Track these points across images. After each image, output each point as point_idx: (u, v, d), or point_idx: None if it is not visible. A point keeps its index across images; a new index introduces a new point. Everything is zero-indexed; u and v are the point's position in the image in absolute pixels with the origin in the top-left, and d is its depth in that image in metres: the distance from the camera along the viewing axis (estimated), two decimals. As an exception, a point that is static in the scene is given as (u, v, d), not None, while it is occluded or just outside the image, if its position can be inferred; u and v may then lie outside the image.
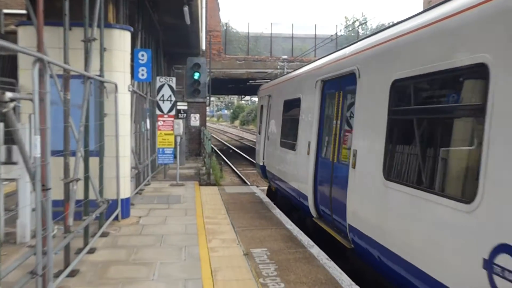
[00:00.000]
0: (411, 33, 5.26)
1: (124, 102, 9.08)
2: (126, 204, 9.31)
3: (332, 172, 7.63)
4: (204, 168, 17.33)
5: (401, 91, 5.41)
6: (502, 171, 3.58)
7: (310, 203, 8.55)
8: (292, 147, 10.14)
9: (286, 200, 11.16)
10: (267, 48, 32.90)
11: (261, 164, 13.91)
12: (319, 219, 8.41)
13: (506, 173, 3.52)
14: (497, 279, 3.48)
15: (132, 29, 9.40)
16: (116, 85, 8.66)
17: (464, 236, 3.94)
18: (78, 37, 7.53)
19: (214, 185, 14.23)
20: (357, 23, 41.96)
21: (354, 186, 6.43)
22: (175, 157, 14.61)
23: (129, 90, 9.29)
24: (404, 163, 5.23)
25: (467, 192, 4.06)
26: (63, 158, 6.10)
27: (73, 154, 6.55)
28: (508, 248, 3.39)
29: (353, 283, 5.88)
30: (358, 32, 39.66)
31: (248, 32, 33.33)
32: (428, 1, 28.37)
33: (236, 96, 76.82)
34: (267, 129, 13.58)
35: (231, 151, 34.33)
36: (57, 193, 5.81)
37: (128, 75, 9.25)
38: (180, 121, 14.82)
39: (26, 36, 8.17)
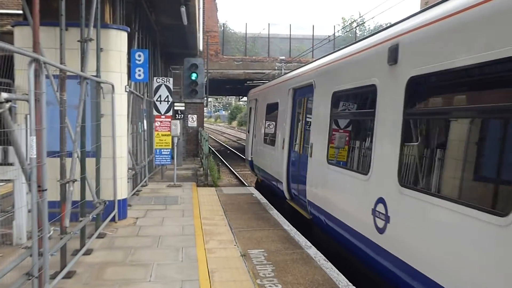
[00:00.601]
0: (338, 61, 7.78)
1: (121, 103, 9.05)
2: (123, 205, 9.28)
3: (299, 161, 9.71)
4: (201, 169, 17.31)
5: (339, 99, 7.59)
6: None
7: (284, 188, 10.68)
8: (272, 143, 12.32)
9: (269, 189, 13.15)
10: (265, 48, 32.90)
11: (249, 159, 16.13)
12: (291, 200, 10.42)
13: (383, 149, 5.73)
14: (376, 219, 5.62)
15: (128, 29, 9.38)
16: (112, 86, 8.64)
17: (363, 195, 6.10)
18: (75, 37, 7.51)
19: (212, 186, 14.22)
20: (354, 24, 41.98)
21: (311, 170, 8.61)
22: (172, 158, 14.58)
23: (126, 91, 9.26)
24: (336, 151, 7.64)
25: (365, 168, 6.30)
26: (59, 159, 6.07)
27: (70, 155, 6.52)
28: (382, 199, 5.50)
29: (350, 283, 5.87)
30: (356, 33, 39.69)
31: (246, 33, 33.35)
32: (425, 2, 28.41)
33: (234, 96, 76.77)
34: (254, 128, 15.76)
35: (228, 152, 34.33)
36: (53, 194, 5.79)
37: (125, 76, 9.23)
38: (178, 121, 14.79)
39: (22, 37, 8.13)
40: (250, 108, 17.26)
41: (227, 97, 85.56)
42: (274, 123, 12.31)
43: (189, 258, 6.86)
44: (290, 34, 33.16)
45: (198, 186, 14.11)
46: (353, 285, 5.86)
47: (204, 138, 16.92)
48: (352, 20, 45.42)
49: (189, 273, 6.21)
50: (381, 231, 5.48)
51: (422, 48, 5.00)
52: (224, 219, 9.51)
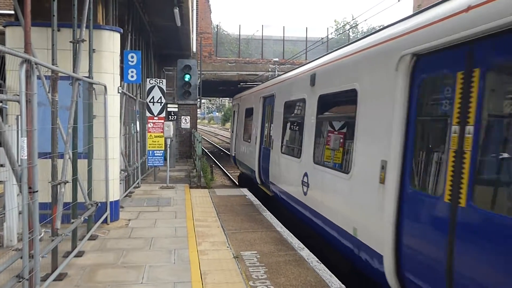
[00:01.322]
0: (288, 80, 10.87)
1: (113, 104, 9.01)
2: (115, 206, 9.23)
3: (265, 154, 12.52)
4: (194, 170, 17.27)
5: (288, 107, 10.48)
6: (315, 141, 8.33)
7: (257, 175, 13.51)
8: (248, 140, 15.30)
9: (248, 177, 15.85)
10: (258, 50, 32.89)
11: (233, 155, 19.21)
12: (261, 184, 13.26)
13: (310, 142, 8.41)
14: (303, 187, 8.46)
15: (121, 30, 9.34)
16: (105, 87, 8.60)
17: (298, 172, 8.88)
18: (67, 38, 7.48)
19: (205, 187, 14.18)
20: (347, 27, 42.14)
21: (272, 159, 11.62)
22: (165, 159, 14.54)
23: (118, 92, 9.22)
24: (286, 144, 10.56)
25: (299, 154, 9.04)
26: (50, 160, 6.03)
27: (61, 156, 6.48)
28: (306, 173, 8.31)
29: (342, 285, 5.87)
30: (349, 35, 39.83)
31: (240, 34, 33.31)
32: (418, 5, 28.57)
33: (228, 98, 76.77)
34: (236, 128, 18.80)
35: (222, 153, 34.29)
36: (44, 195, 5.75)
37: (118, 77, 9.19)
38: (171, 123, 14.74)
39: (13, 37, 8.09)
40: (234, 111, 20.51)
41: (221, 98, 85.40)
42: (250, 124, 15.35)
43: (181, 260, 6.83)
44: (283, 36, 33.17)
45: (191, 187, 14.07)
46: (346, 287, 5.87)
47: (197, 140, 16.88)
48: (345, 23, 45.59)
49: (181, 275, 6.18)
50: (305, 194, 8.46)
51: (323, 78, 8.08)
52: (217, 220, 9.49)
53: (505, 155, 3.75)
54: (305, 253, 7.28)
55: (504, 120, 3.85)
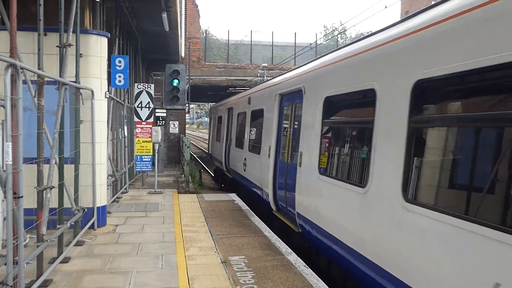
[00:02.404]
0: (245, 96, 15.17)
1: (100, 109, 8.97)
2: (102, 212, 9.17)
3: (231, 149, 16.36)
4: (183, 175, 17.21)
5: (238, 116, 15.32)
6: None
7: (224, 165, 17.63)
8: (219, 140, 19.55)
9: (219, 168, 20.45)
10: (247, 55, 33.01)
11: (209, 152, 24.06)
12: (227, 172, 17.17)
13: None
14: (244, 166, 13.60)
15: (109, 35, 9.31)
16: (92, 92, 8.56)
17: (239, 156, 14.41)
18: (54, 43, 7.43)
19: (193, 192, 14.14)
20: (336, 32, 42.41)
21: (231, 152, 16.01)
22: (153, 164, 14.48)
23: (106, 97, 9.18)
24: (236, 140, 15.53)
25: (257, 150, 12.09)
26: (36, 165, 5.98)
27: (47, 161, 6.43)
28: (245, 158, 13.43)
29: (330, 290, 5.89)
30: (337, 40, 40.09)
31: (228, 40, 33.38)
32: (405, 11, 28.86)
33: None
34: (211, 132, 24.30)
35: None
36: (30, 201, 5.70)
37: (105, 82, 9.15)
38: (159, 128, 14.70)
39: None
40: (210, 118, 26.93)
41: (210, 103, 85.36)
42: (220, 128, 19.82)
43: (169, 265, 6.80)
44: (272, 41, 33.35)
45: (179, 192, 14.02)
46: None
47: (185, 145, 16.84)
48: (334, 28, 45.90)
49: (169, 280, 6.16)
50: (244, 169, 13.43)
51: (254, 100, 13.15)
52: (205, 225, 9.47)
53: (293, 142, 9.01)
54: (293, 257, 7.29)
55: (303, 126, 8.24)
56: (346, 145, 6.64)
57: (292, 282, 6.14)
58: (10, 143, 4.43)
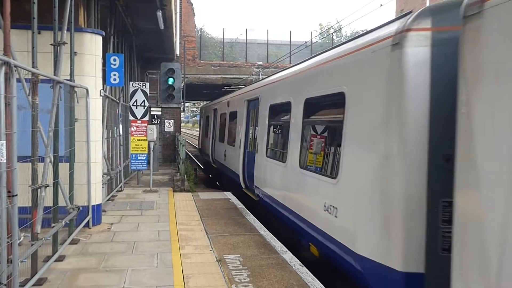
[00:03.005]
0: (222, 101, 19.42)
1: (95, 107, 8.95)
2: (97, 210, 9.15)
3: (216, 143, 19.03)
4: (178, 174, 17.20)
5: (220, 116, 18.87)
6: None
7: (210, 157, 20.26)
8: (207, 137, 22.40)
9: (206, 160, 23.05)
10: (242, 54, 32.94)
11: (199, 147, 27.94)
12: (213, 163, 19.87)
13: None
14: (224, 157, 16.50)
15: (103, 33, 9.28)
16: (87, 90, 8.54)
17: (220, 147, 17.56)
18: (48, 41, 7.40)
19: (188, 191, 14.13)
20: (331, 30, 42.44)
21: (215, 146, 19.20)
22: (148, 163, 14.46)
23: (100, 95, 9.16)
24: (220, 135, 18.06)
25: (221, 139, 17.67)
26: (31, 163, 5.96)
27: (42, 159, 6.41)
28: (225, 150, 16.46)
29: (324, 287, 5.91)
30: (332, 39, 40.13)
31: (224, 38, 33.28)
32: (400, 10, 28.91)
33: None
34: (201, 129, 28.13)
35: (206, 157, 34.17)
36: (24, 199, 5.69)
37: (100, 80, 9.13)
38: (154, 126, 14.69)
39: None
40: (200, 117, 31.84)
41: (205, 102, 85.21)
42: (207, 127, 22.85)
43: (164, 264, 6.80)
44: (267, 40, 33.28)
45: (174, 191, 14.02)
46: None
47: (181, 143, 16.83)
48: (329, 27, 45.92)
49: (164, 279, 6.16)
50: (224, 159, 16.38)
51: (231, 103, 16.22)
52: (200, 224, 9.47)
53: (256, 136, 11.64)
54: (288, 256, 7.30)
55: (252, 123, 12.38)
56: (278, 137, 9.98)
57: (287, 281, 6.15)
58: (4, 142, 4.41)
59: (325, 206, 6.25)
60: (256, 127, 11.86)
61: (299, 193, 7.75)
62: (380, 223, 4.84)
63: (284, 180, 8.71)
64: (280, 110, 9.83)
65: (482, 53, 3.32)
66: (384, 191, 4.82)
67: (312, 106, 7.65)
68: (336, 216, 5.88)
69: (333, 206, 5.98)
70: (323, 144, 7.14)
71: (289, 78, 9.16)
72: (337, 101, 6.21)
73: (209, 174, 23.53)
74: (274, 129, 10.37)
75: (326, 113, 7.53)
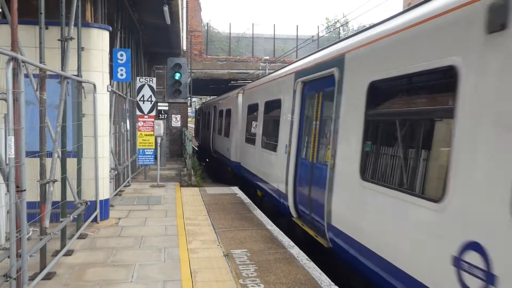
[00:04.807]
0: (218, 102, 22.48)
1: (103, 102, 8.96)
2: (105, 205, 9.19)
3: (216, 135, 20.76)
4: (185, 169, 17.24)
5: (219, 112, 20.70)
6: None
7: (211, 147, 21.87)
8: (205, 129, 25.83)
9: (204, 148, 26.66)
10: (249, 48, 32.87)
11: (199, 141, 32.12)
12: (214, 153, 21.24)
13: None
14: (211, 143, 22.45)
15: (110, 28, 9.28)
16: (94, 85, 8.55)
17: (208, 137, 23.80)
18: (55, 36, 7.42)
19: (195, 186, 14.16)
20: (338, 24, 42.19)
21: (213, 137, 21.98)
22: (155, 158, 14.49)
23: (108, 90, 9.17)
24: (219, 129, 20.11)
25: (224, 133, 18.79)
26: (39, 159, 5.99)
27: (50, 155, 6.44)
28: (213, 137, 21.49)
29: (332, 283, 5.90)
30: (339, 33, 39.91)
31: (230, 33, 33.22)
32: (408, 3, 28.65)
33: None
34: (200, 124, 31.97)
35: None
36: (33, 194, 5.72)
37: (107, 75, 9.14)
38: (161, 121, 14.70)
39: (0, 35, 8.00)
40: (199, 114, 35.74)
41: (211, 97, 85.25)
42: (205, 122, 26.73)
43: (171, 259, 6.83)
44: (274, 34, 33.18)
45: (181, 186, 14.05)
46: (336, 284, 5.90)
47: (187, 138, 16.86)
48: (336, 20, 45.66)
49: (171, 274, 6.18)
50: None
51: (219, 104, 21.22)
52: (207, 219, 9.49)
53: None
54: (295, 251, 7.30)
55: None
56: (260, 129, 12.12)
57: (294, 276, 6.15)
58: (13, 137, 4.43)
59: None
60: (247, 122, 13.21)
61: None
62: None
63: (274, 166, 10.38)
64: (254, 109, 13.03)
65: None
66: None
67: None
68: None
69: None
70: None
71: (260, 86, 12.83)
72: None
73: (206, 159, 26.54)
74: (253, 124, 12.36)
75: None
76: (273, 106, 10.74)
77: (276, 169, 9.83)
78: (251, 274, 6.19)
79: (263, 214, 10.07)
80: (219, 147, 19.66)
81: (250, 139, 13.27)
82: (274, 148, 10.18)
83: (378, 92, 5.48)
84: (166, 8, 12.94)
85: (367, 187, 5.44)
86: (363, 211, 5.52)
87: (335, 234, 6.32)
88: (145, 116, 13.83)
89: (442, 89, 4.39)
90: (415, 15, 4.84)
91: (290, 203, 8.68)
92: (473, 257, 3.56)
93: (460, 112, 3.89)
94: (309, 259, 6.87)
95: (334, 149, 6.49)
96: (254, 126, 12.99)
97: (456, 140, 3.90)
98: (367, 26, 6.73)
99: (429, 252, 4.16)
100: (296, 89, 8.71)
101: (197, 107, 38.78)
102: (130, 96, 14.48)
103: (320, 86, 7.71)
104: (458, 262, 3.73)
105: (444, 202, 3.97)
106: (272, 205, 10.56)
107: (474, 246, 3.57)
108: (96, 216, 8.77)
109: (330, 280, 6.00)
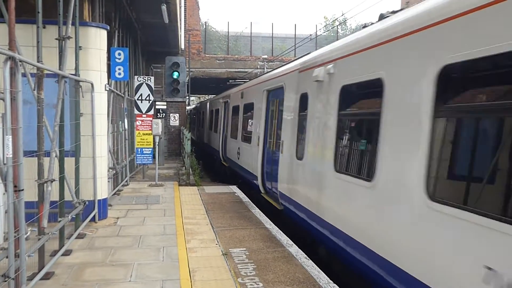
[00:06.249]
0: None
1: (100, 102, 8.94)
2: (103, 205, 9.18)
3: (209, 132, 23.65)
4: (183, 168, 17.23)
5: (212, 112, 23.37)
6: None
7: (204, 140, 25.92)
8: (200, 126, 29.94)
9: (197, 142, 29.54)
10: (247, 47, 32.88)
11: (195, 137, 32.69)
12: (204, 145, 25.95)
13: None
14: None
15: (108, 27, 9.26)
16: (92, 84, 8.53)
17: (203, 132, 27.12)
18: (53, 35, 7.39)
19: (194, 185, 14.15)
20: (336, 23, 42.18)
21: (205, 133, 26.02)
22: (154, 157, 14.48)
23: (105, 89, 9.15)
24: (214, 127, 22.42)
25: (215, 129, 21.59)
26: (37, 158, 5.97)
27: (48, 154, 6.42)
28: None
29: (330, 281, 5.91)
30: (337, 31, 39.91)
31: (228, 31, 33.21)
32: (406, 1, 28.66)
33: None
34: (196, 123, 34.20)
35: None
36: (31, 194, 5.70)
37: (105, 74, 9.12)
38: (159, 120, 14.69)
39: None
40: (192, 114, 38.97)
41: (210, 96, 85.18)
42: (198, 120, 31.61)
43: (170, 258, 6.82)
44: (272, 33, 33.17)
45: (180, 185, 14.04)
46: (334, 282, 5.91)
47: (186, 137, 16.84)
48: (334, 19, 45.64)
49: (170, 273, 6.17)
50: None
51: (210, 104, 24.92)
52: (206, 218, 9.48)
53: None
54: (294, 249, 7.30)
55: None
56: (241, 124, 14.58)
57: (293, 274, 6.15)
58: (10, 136, 4.42)
59: None
60: (229, 120, 17.79)
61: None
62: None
63: (242, 153, 14.32)
64: (236, 110, 16.39)
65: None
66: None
67: None
68: None
69: None
70: None
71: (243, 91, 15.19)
72: None
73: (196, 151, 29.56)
74: (236, 121, 15.79)
75: None
76: (250, 108, 13.60)
77: (251, 157, 12.73)
78: (250, 272, 6.18)
79: (262, 213, 10.07)
80: (209, 140, 23.97)
81: (233, 134, 16.24)
82: (249, 140, 13.15)
83: (305, 100, 8.02)
84: (164, 7, 12.91)
85: (299, 164, 8.16)
86: (297, 181, 8.34)
87: (283, 199, 9.16)
88: (143, 115, 13.81)
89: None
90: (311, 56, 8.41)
91: (259, 182, 11.42)
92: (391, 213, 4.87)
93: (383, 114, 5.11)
94: (307, 258, 6.87)
95: (282, 139, 9.42)
96: (236, 123, 15.79)
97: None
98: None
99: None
100: (263, 96, 11.61)
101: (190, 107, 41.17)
102: (128, 95, 14.46)
103: (277, 94, 10.42)
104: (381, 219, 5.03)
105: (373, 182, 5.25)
106: (247, 184, 13.66)
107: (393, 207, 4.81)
108: (94, 215, 8.76)
109: (328, 278, 6.00)
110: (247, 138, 13.55)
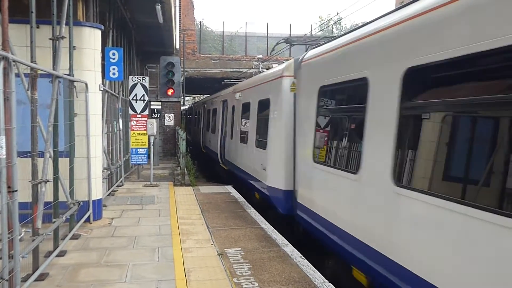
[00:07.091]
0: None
1: (95, 102, 8.92)
2: (98, 205, 9.15)
3: (204, 131, 23.98)
4: (178, 168, 17.20)
5: (206, 112, 24.18)
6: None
7: (201, 143, 24.42)
8: (195, 126, 30.27)
9: (194, 140, 29.62)
10: (242, 47, 32.86)
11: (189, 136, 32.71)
12: (191, 139, 30.12)
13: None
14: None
15: (102, 27, 9.24)
16: (86, 84, 8.50)
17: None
18: (47, 35, 7.35)
19: (189, 185, 14.13)
20: (331, 23, 42.23)
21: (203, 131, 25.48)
22: (148, 157, 14.45)
23: (100, 90, 9.12)
24: (209, 125, 22.75)
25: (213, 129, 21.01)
26: (30, 159, 5.94)
27: (42, 155, 6.39)
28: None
29: (326, 280, 5.92)
30: (332, 31, 39.95)
31: (223, 31, 33.15)
32: (401, 1, 28.68)
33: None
34: (192, 122, 34.51)
35: (206, 150, 34.22)
36: (25, 195, 5.67)
37: (99, 74, 9.09)
38: (154, 121, 14.66)
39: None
40: (186, 115, 38.98)
41: (205, 95, 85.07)
42: (194, 120, 31.72)
43: (165, 258, 6.81)
44: (267, 33, 33.16)
45: (175, 185, 14.01)
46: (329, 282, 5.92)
47: (181, 137, 16.82)
48: (329, 19, 45.71)
49: (165, 273, 6.16)
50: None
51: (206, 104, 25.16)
52: (201, 218, 9.47)
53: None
54: (289, 249, 7.31)
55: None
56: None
57: (288, 274, 6.15)
58: (4, 137, 4.39)
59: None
60: (224, 120, 17.85)
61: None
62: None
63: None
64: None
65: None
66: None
67: None
68: None
69: None
70: None
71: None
72: None
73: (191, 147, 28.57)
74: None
75: None
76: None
77: (215, 141, 17.82)
78: (245, 272, 6.18)
79: (257, 213, 10.07)
80: (194, 134, 28.58)
81: (213, 129, 19.71)
82: (213, 131, 17.67)
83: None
84: (158, 7, 12.89)
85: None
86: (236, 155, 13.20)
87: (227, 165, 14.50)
88: (138, 115, 13.77)
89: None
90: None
91: (219, 156, 16.13)
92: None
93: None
94: (303, 257, 6.88)
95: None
96: (215, 121, 18.69)
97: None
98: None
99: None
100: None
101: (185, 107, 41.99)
102: (123, 95, 14.41)
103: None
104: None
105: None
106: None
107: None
108: (89, 216, 8.72)
109: (323, 277, 6.01)
110: (214, 129, 17.87)
